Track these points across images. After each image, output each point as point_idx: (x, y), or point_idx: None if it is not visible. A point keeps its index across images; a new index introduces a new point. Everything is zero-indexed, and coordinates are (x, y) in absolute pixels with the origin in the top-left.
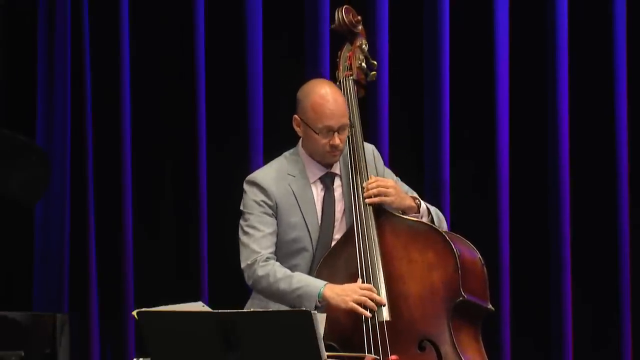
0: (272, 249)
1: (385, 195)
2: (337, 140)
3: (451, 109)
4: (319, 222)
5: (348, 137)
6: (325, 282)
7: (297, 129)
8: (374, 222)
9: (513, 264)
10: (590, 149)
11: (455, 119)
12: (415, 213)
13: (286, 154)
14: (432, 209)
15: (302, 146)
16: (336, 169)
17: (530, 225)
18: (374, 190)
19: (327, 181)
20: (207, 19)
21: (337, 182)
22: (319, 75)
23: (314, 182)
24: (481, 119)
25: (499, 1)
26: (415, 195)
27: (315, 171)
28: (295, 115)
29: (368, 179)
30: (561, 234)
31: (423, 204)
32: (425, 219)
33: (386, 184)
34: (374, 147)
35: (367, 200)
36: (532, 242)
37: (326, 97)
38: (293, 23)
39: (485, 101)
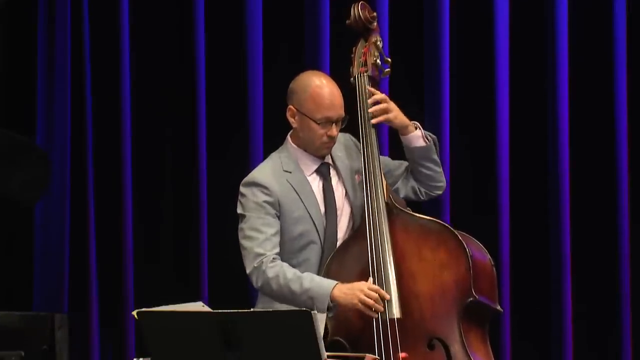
0: (277, 250)
1: (388, 112)
2: (334, 131)
3: (451, 106)
4: (323, 213)
5: (360, 134)
6: (336, 282)
7: (291, 119)
8: (386, 219)
9: (513, 264)
10: (591, 149)
11: (456, 115)
12: (417, 130)
13: (275, 153)
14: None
15: (294, 141)
16: (328, 159)
17: (530, 225)
18: (379, 107)
19: (323, 172)
20: (207, 18)
21: (332, 172)
22: None
23: (311, 175)
24: (481, 118)
25: (499, 1)
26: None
27: (310, 164)
28: (291, 106)
29: (382, 178)
30: (561, 234)
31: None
32: (425, 141)
33: (386, 98)
34: (350, 135)
35: (372, 121)
36: (532, 242)
37: (325, 89)
38: (293, 23)
39: (485, 100)
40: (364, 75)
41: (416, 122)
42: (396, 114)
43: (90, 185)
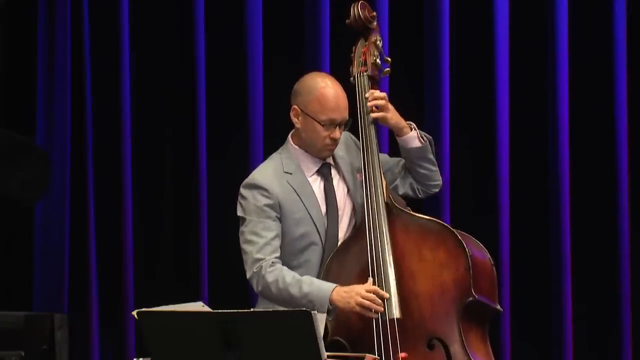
0: (277, 254)
1: (386, 110)
2: (337, 134)
3: (451, 105)
4: (324, 214)
5: (360, 133)
6: (335, 285)
7: (295, 119)
8: (385, 219)
9: (513, 265)
10: (591, 149)
11: (456, 114)
12: (413, 130)
13: (276, 153)
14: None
15: (295, 141)
16: (330, 159)
17: (530, 226)
18: (379, 102)
19: (324, 173)
20: (207, 18)
21: (334, 172)
22: None
23: (312, 176)
24: (481, 118)
25: (499, 1)
26: None
27: (310, 165)
28: (295, 106)
29: (382, 178)
30: (561, 234)
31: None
32: (420, 141)
33: (386, 98)
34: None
35: (371, 115)
36: (532, 242)
37: (331, 90)
38: (293, 23)
39: (485, 100)
40: (363, 75)
41: (411, 123)
42: (392, 115)
43: (90, 185)
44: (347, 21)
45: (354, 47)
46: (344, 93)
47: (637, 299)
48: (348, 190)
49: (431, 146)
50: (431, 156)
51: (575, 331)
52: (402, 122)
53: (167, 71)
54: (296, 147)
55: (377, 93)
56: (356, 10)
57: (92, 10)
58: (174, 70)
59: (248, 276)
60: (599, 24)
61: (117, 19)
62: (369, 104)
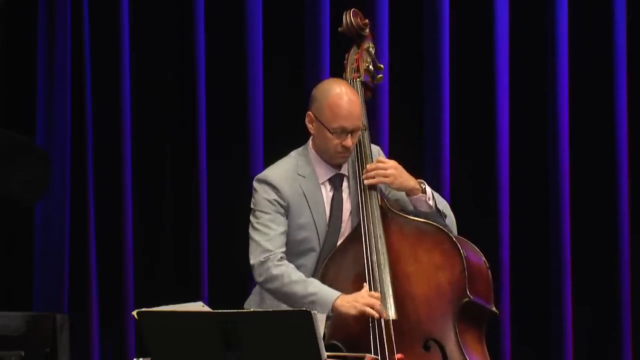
0: (284, 249)
1: (384, 177)
2: (349, 142)
3: (451, 110)
4: (327, 222)
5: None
6: (340, 294)
7: (309, 125)
8: (380, 222)
9: (513, 267)
10: (591, 154)
11: (456, 119)
12: (421, 194)
13: (295, 153)
14: (438, 197)
15: (312, 145)
16: (344, 170)
17: (530, 231)
18: (372, 173)
19: (336, 182)
20: (207, 18)
21: (345, 184)
22: (318, 78)
23: (323, 183)
24: (481, 119)
25: (499, 1)
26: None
27: (324, 172)
28: (310, 112)
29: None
30: (561, 240)
31: (428, 188)
32: (431, 202)
33: (385, 165)
34: (379, 148)
35: (365, 182)
36: (532, 248)
37: (344, 98)
38: (293, 24)
39: (485, 102)
40: (356, 81)
41: (423, 182)
42: (393, 180)
43: (90, 185)
44: (339, 29)
45: (346, 54)
46: (359, 100)
47: (637, 303)
48: (352, 208)
49: (440, 213)
50: (440, 220)
51: (575, 335)
52: (409, 183)
53: (167, 71)
54: (314, 151)
55: (372, 166)
56: (348, 17)
57: (92, 10)
58: (174, 70)
59: (252, 262)
60: (599, 29)
61: (117, 19)
62: (363, 176)
